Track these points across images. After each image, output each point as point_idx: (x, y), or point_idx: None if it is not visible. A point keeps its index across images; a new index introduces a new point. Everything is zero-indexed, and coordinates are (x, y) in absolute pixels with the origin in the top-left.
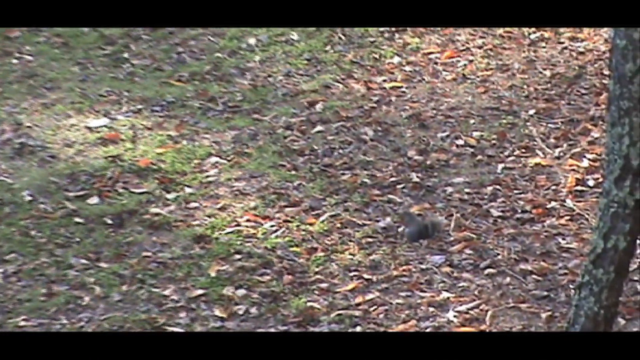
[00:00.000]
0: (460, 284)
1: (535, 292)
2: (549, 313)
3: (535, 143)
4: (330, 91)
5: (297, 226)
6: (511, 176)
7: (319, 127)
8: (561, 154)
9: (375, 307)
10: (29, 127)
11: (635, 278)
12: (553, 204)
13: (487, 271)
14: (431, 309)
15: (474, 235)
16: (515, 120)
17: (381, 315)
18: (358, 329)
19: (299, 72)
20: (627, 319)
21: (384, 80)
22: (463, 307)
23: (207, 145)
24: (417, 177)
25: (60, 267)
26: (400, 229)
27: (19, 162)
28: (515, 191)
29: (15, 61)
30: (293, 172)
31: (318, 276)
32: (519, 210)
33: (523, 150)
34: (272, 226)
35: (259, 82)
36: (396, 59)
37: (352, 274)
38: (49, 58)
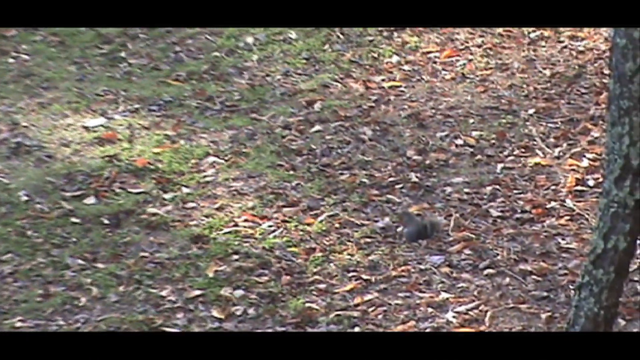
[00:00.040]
0: (460, 285)
1: (534, 293)
2: (549, 314)
3: (534, 143)
4: (328, 90)
5: (295, 226)
6: (511, 176)
7: (317, 127)
8: (561, 153)
9: (374, 307)
10: (25, 126)
11: (636, 278)
12: (553, 204)
13: (486, 271)
14: (430, 310)
15: (473, 236)
16: (515, 119)
17: (380, 316)
18: (357, 329)
19: (297, 71)
20: (627, 320)
21: (383, 80)
22: (462, 308)
23: (205, 145)
24: (416, 177)
25: (57, 268)
26: (399, 229)
27: (15, 161)
28: (515, 191)
29: (11, 60)
30: (291, 172)
31: (316, 277)
32: (519, 210)
33: (522, 150)
34: (270, 226)
35: (256, 81)
36: (395, 58)
37: (350, 274)
38: (45, 57)
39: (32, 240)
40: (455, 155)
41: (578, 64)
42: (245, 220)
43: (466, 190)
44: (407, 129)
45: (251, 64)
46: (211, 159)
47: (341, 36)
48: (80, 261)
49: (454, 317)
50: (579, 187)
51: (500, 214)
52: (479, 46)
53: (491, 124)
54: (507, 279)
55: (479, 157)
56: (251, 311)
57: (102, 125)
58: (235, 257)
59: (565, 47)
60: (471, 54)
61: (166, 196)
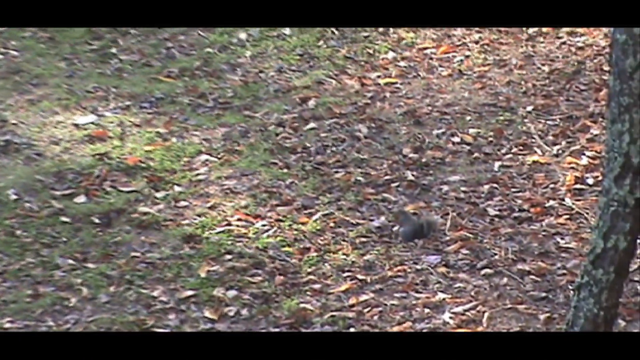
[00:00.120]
0: (457, 285)
1: (533, 293)
2: (548, 314)
3: (533, 140)
4: (323, 87)
5: (289, 225)
6: (508, 174)
7: (311, 124)
8: (560, 151)
9: (369, 308)
10: (14, 124)
11: (636, 279)
12: (551, 202)
13: (483, 271)
14: (427, 311)
15: (470, 235)
16: (513, 117)
17: (375, 317)
18: (352, 330)
19: (291, 67)
20: (628, 321)
21: (378, 76)
22: (459, 309)
23: (197, 143)
24: (412, 175)
25: (47, 268)
26: (395, 229)
27: (4, 160)
28: (513, 189)
29: (0, 57)
30: (285, 170)
31: (311, 277)
32: (517, 209)
33: (521, 148)
34: (263, 225)
35: (250, 78)
36: (391, 55)
37: (345, 274)
38: (35, 53)
39: (21, 240)
40: (452, 153)
41: (577, 60)
42: (239, 220)
43: (463, 188)
44: (403, 126)
45: (244, 60)
46: (204, 157)
47: (336, 32)
48: (70, 261)
49: (450, 317)
50: (578, 186)
51: (497, 212)
52: (476, 42)
53: (489, 121)
54: (505, 279)
55: (476, 155)
56: (244, 312)
57: (92, 123)
58: (228, 257)
59: (564, 43)
60: (468, 50)
61: (158, 195)
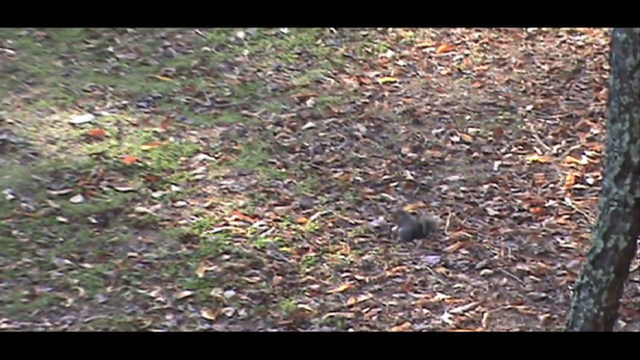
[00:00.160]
0: (456, 285)
1: (532, 294)
2: (547, 315)
3: (532, 140)
4: (321, 86)
5: (288, 225)
6: (508, 174)
7: (309, 124)
8: (559, 150)
9: (368, 309)
10: (10, 123)
11: (636, 279)
12: (551, 202)
13: (483, 272)
14: (425, 311)
15: (469, 235)
16: (512, 116)
17: (374, 318)
18: (350, 331)
19: (289, 66)
20: (628, 321)
21: (377, 75)
22: (458, 309)
23: (195, 142)
24: (411, 174)
25: (43, 268)
26: (393, 229)
27: (0, 159)
28: (512, 189)
29: None
30: (283, 170)
31: (309, 277)
32: (516, 209)
33: (520, 147)
34: (261, 225)
35: (247, 76)
36: (389, 53)
37: (344, 274)
38: (31, 52)
39: (17, 240)
40: (451, 153)
41: (577, 59)
42: (236, 220)
43: (462, 188)
44: (402, 125)
45: (242, 59)
46: (201, 156)
47: (334, 31)
48: (67, 261)
49: (449, 318)
50: (578, 185)
51: (497, 212)
52: (476, 41)
53: (488, 121)
54: (505, 280)
55: (475, 154)
56: (242, 312)
57: (89, 122)
58: (226, 257)
59: (564, 41)
60: (467, 48)
61: (155, 195)
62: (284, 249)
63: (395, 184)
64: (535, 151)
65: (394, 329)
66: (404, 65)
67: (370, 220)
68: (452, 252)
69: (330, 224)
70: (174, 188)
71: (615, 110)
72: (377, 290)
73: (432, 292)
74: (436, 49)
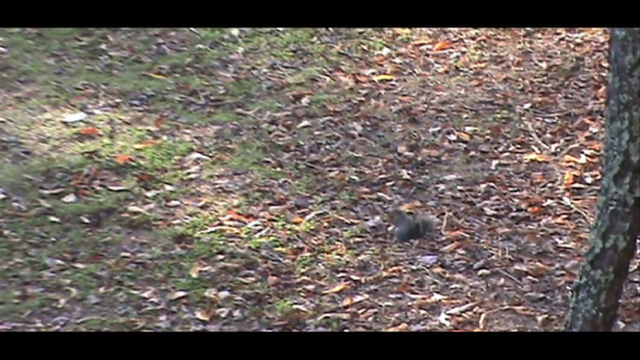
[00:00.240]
0: (453, 286)
1: (530, 294)
2: (545, 316)
3: (530, 138)
4: (316, 84)
5: (282, 225)
6: (506, 173)
7: (305, 122)
8: (558, 149)
9: (364, 309)
10: (2, 122)
11: (635, 279)
12: (549, 201)
13: (480, 272)
14: (422, 312)
15: (466, 235)
16: (510, 114)
17: (370, 318)
18: (346, 332)
19: (284, 64)
20: (627, 322)
21: (373, 73)
22: (455, 310)
23: (189, 141)
24: (408, 174)
25: (35, 268)
26: (390, 228)
27: None
28: (510, 188)
29: None
30: (278, 169)
31: (304, 277)
32: (514, 209)
33: (518, 146)
34: (256, 225)
35: (242, 74)
36: (386, 51)
37: (339, 275)
38: (23, 50)
39: (9, 240)
40: (448, 152)
41: (575, 57)
42: (231, 219)
43: (459, 187)
44: (398, 124)
45: (236, 57)
46: (195, 155)
47: (330, 28)
48: (59, 261)
49: (446, 319)
50: (576, 185)
51: (494, 212)
52: (473, 38)
53: (485, 119)
54: (502, 280)
55: (472, 153)
56: (236, 313)
57: (81, 121)
58: (220, 257)
59: (562, 39)
60: (465, 46)
61: (148, 194)
62: (279, 249)
63: (391, 183)
64: (533, 150)
65: (390, 330)
66: (400, 63)
67: (366, 220)
68: (449, 252)
69: (325, 224)
70: (168, 187)
71: (615, 108)
72: (373, 291)
73: (429, 293)
74: (433, 47)
